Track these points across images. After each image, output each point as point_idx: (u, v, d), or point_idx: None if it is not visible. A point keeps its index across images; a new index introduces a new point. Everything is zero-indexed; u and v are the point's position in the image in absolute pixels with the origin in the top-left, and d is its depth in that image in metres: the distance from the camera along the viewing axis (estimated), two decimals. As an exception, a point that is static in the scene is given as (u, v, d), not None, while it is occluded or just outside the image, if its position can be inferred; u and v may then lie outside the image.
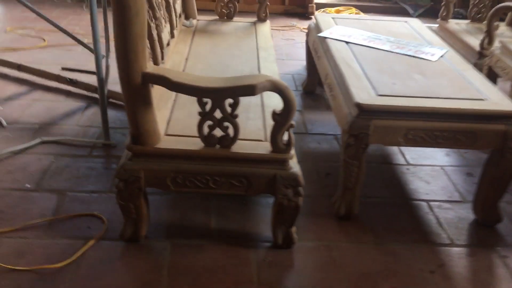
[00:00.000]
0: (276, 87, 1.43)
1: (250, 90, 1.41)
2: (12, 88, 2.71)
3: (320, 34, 2.35)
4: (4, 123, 2.32)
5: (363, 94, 1.70)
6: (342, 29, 2.43)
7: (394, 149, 2.35)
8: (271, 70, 2.19)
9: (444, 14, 3.14)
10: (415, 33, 2.46)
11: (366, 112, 1.65)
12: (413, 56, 2.11)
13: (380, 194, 2.00)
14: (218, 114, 1.48)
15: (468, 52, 2.71)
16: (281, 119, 1.47)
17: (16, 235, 1.65)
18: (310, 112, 2.68)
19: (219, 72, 2.10)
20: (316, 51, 2.42)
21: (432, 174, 2.15)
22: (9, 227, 1.67)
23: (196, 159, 1.53)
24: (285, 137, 1.51)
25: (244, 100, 1.77)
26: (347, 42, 2.25)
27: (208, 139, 1.52)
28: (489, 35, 2.58)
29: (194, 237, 1.70)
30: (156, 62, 1.78)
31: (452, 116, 1.65)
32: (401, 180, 2.11)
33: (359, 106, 1.64)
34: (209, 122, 1.50)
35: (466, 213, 1.90)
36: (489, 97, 1.74)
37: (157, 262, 1.58)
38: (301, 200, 1.58)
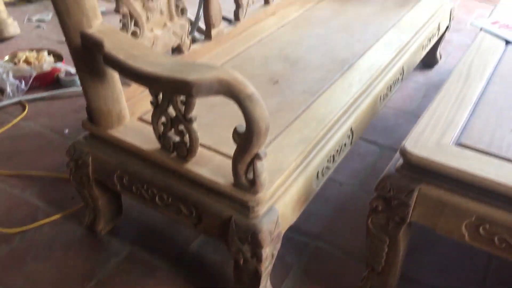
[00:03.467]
0: (232, 92, 0.89)
1: (183, 88, 0.91)
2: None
3: (472, 24, 1.54)
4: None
5: (428, 135, 1.00)
6: (525, 20, 1.55)
7: None
8: (376, 59, 1.54)
9: None
10: None
11: (413, 167, 0.96)
12: None
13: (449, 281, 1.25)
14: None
15: None
16: (242, 142, 0.94)
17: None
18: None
19: (300, 53, 1.57)
20: (468, 46, 1.62)
21: None
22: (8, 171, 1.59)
23: (145, 161, 1.13)
24: (251, 171, 0.98)
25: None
26: (508, 43, 1.42)
27: (163, 140, 1.10)
28: None
29: (158, 254, 1.32)
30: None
31: None
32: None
33: (404, 154, 0.96)
34: (163, 119, 1.07)
35: None
36: None
37: (92, 271, 1.27)
38: (263, 266, 1.04)
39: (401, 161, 0.99)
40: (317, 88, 1.37)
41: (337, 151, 1.28)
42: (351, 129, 1.33)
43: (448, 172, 0.91)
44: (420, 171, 0.95)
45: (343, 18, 1.85)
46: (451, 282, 1.27)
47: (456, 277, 1.28)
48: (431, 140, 0.98)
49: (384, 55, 1.58)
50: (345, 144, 1.32)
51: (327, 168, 1.25)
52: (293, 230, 1.25)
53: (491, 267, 1.31)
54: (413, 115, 1.97)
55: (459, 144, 0.98)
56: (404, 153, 0.96)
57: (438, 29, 2.05)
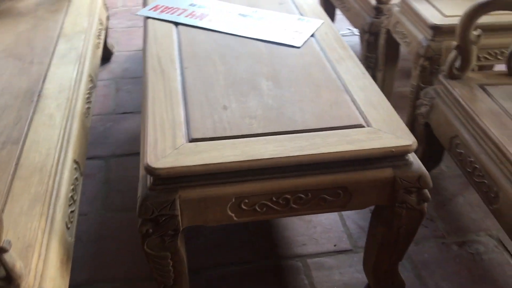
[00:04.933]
0: None
1: None
2: None
3: (138, 13, 1.59)
4: None
5: (162, 143, 1.00)
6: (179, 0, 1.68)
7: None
8: (62, 77, 1.44)
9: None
10: (284, -6, 1.74)
11: (165, 180, 0.96)
12: (271, 42, 1.41)
13: (237, 258, 1.37)
14: None
15: (364, 7, 2.02)
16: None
17: None
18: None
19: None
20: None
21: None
22: None
23: None
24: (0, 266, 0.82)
25: None
26: (176, 24, 1.51)
27: None
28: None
29: None
30: None
31: (312, 167, 1.00)
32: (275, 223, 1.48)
33: (151, 172, 0.95)
34: None
35: (356, 271, 1.32)
36: (374, 118, 1.09)
37: None
38: None
39: (151, 178, 0.97)
40: (17, 135, 1.20)
41: (73, 190, 1.18)
42: (75, 160, 1.23)
43: (193, 171, 0.95)
44: (172, 180, 0.96)
45: (2, 43, 1.63)
46: (227, 255, 1.37)
47: (230, 249, 1.38)
48: (167, 147, 0.99)
49: (67, 69, 1.49)
50: (76, 179, 1.22)
51: (72, 212, 1.14)
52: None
53: (250, 227, 1.46)
54: (116, 113, 1.96)
55: (192, 140, 1.02)
56: (150, 171, 0.94)
57: (101, 23, 2.03)
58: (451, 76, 1.44)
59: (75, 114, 1.35)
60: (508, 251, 1.37)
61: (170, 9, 1.59)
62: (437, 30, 1.56)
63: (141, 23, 2.74)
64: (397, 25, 1.77)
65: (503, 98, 1.36)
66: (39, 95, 1.36)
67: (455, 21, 1.49)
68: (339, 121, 1.08)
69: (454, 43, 1.41)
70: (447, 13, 1.62)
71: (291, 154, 0.98)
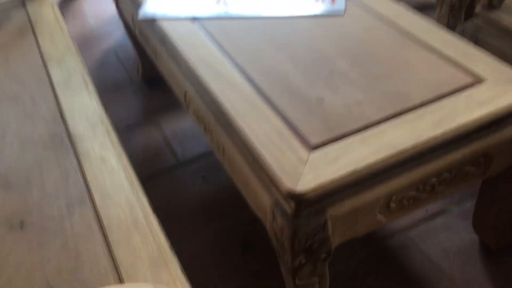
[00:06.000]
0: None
1: None
2: None
3: (141, 17, 1.36)
4: None
5: (283, 160, 0.85)
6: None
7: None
8: (84, 108, 1.22)
9: None
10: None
11: (311, 202, 0.82)
12: (310, 16, 1.26)
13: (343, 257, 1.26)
14: None
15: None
16: None
17: None
18: (168, 118, 1.76)
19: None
20: (147, 40, 1.45)
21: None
22: None
23: None
24: None
25: None
26: (193, 19, 1.31)
27: None
28: None
29: None
30: None
31: (452, 141, 0.90)
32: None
33: (296, 197, 0.80)
34: None
35: (461, 231, 1.26)
36: (483, 70, 0.99)
37: None
38: None
39: (291, 206, 0.83)
40: (77, 192, 0.99)
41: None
42: (149, 203, 1.06)
43: (343, 183, 0.81)
44: (318, 200, 0.82)
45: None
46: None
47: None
48: (296, 164, 0.84)
49: (82, 97, 1.26)
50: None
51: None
52: None
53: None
54: (118, 130, 1.75)
55: (314, 147, 0.87)
56: (295, 197, 0.80)
57: (70, 36, 1.76)
58: (491, 7, 1.38)
59: (118, 148, 1.16)
60: None
61: (171, 5, 1.38)
62: (460, -37, 1.48)
63: (93, 27, 2.48)
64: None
65: (553, 18, 1.32)
66: (70, 138, 1.14)
67: (478, -51, 1.40)
68: (450, 84, 0.98)
69: (489, -28, 1.34)
70: None
71: (432, 134, 0.87)
